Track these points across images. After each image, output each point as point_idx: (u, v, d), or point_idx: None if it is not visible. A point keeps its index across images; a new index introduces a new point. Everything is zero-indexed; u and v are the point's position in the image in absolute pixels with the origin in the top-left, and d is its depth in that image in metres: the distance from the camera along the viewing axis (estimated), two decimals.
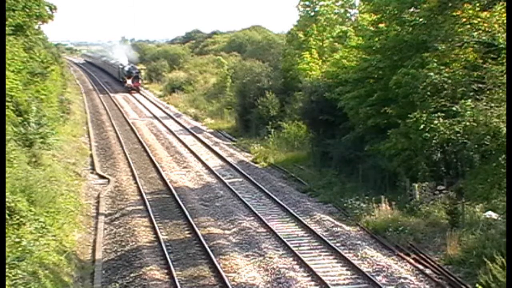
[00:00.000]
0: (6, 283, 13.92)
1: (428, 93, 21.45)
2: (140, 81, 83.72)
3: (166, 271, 18.97)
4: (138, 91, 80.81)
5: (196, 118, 57.89)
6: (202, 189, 30.34)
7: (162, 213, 25.90)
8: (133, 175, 33.07)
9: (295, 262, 19.56)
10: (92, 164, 36.28)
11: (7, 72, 25.64)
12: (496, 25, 19.34)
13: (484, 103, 18.59)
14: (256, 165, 36.25)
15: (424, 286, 17.64)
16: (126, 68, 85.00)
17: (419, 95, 21.92)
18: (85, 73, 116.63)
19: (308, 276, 18.44)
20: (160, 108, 65.27)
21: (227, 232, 23.23)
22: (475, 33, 20.05)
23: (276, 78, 47.92)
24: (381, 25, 27.60)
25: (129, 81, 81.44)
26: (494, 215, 21.48)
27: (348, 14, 46.86)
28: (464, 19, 20.21)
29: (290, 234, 22.66)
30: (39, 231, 19.23)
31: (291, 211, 25.51)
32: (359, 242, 21.36)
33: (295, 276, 18.25)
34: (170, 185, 30.37)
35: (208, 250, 20.33)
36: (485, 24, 19.61)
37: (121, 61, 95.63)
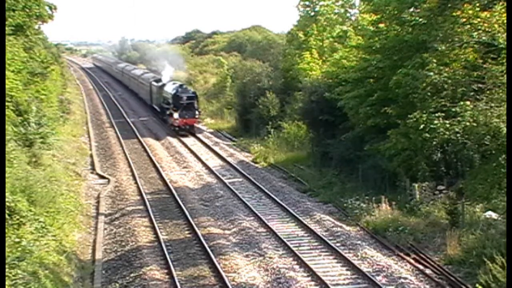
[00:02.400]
0: (6, 283, 13.92)
1: (428, 93, 21.46)
2: (197, 114, 47.56)
3: (166, 271, 18.97)
4: (193, 133, 46.71)
5: None
6: (202, 189, 30.34)
7: (162, 213, 25.90)
8: (133, 175, 33.07)
9: (295, 262, 19.56)
10: (92, 164, 36.27)
11: (7, 72, 25.65)
12: (496, 25, 19.34)
13: (484, 103, 18.60)
14: (256, 165, 36.25)
15: (424, 286, 17.64)
16: (170, 89, 48.53)
17: (419, 95, 21.92)
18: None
19: (308, 276, 18.44)
20: None
21: (227, 232, 23.23)
22: (475, 33, 20.05)
23: (276, 78, 47.94)
24: (381, 25, 27.62)
25: (176, 115, 46.05)
26: (494, 215, 21.49)
27: (348, 14, 46.91)
28: (464, 19, 20.20)
29: (290, 234, 22.66)
30: (39, 231, 19.23)
31: (291, 211, 25.51)
32: (359, 242, 21.36)
33: (295, 276, 18.24)
34: (170, 185, 30.37)
35: (208, 250, 20.33)
36: (485, 24, 19.61)
37: (161, 74, 59.40)
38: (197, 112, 47.13)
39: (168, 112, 47.94)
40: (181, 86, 48.71)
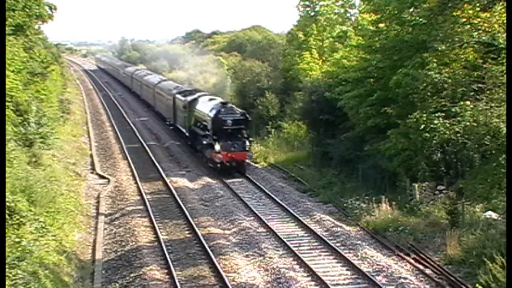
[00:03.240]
0: (6, 283, 13.92)
1: (428, 93, 21.49)
2: (248, 145, 33.12)
3: (166, 271, 18.96)
4: (243, 172, 32.87)
5: None
6: (202, 189, 30.31)
7: (162, 213, 25.89)
8: (133, 175, 33.06)
9: (295, 262, 19.56)
10: (92, 164, 36.26)
11: (7, 72, 25.64)
12: (496, 25, 19.35)
13: (484, 103, 18.62)
14: (256, 165, 36.22)
15: (424, 286, 17.64)
16: (207, 108, 34.58)
17: (419, 95, 21.95)
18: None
19: (308, 276, 18.43)
20: None
21: (227, 232, 23.22)
22: (475, 33, 20.07)
23: (276, 78, 47.99)
24: (381, 25, 27.64)
25: (217, 147, 32.25)
26: (494, 215, 21.49)
27: (348, 14, 46.99)
28: (464, 19, 20.22)
29: (290, 234, 22.66)
30: (39, 231, 19.23)
31: (291, 211, 25.51)
32: (359, 242, 21.36)
33: (295, 276, 18.23)
34: (170, 185, 30.35)
35: (208, 250, 20.33)
36: (485, 24, 19.63)
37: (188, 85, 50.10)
38: (247, 143, 32.70)
39: (204, 142, 33.54)
40: (224, 104, 34.06)
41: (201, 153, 35.68)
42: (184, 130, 40.19)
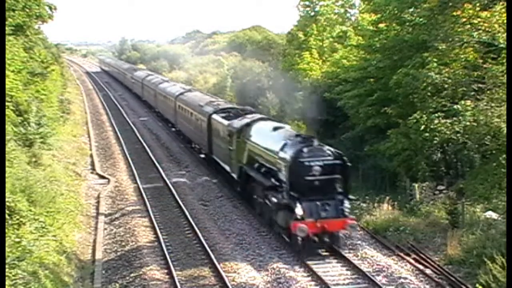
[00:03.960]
0: (6, 283, 13.92)
1: (428, 93, 21.51)
2: (348, 206, 19.72)
3: (166, 271, 18.96)
4: (337, 247, 19.90)
5: None
6: (203, 189, 30.27)
7: (162, 213, 25.87)
8: (133, 175, 33.04)
9: (295, 262, 19.53)
10: (92, 164, 36.25)
11: (7, 72, 25.66)
12: (496, 25, 19.36)
13: (485, 103, 18.63)
14: None
15: (424, 286, 17.63)
16: (276, 144, 21.42)
17: (419, 95, 21.98)
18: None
19: (308, 276, 18.42)
20: None
21: (227, 232, 23.20)
22: (475, 33, 20.08)
23: (276, 78, 47.98)
24: (381, 25, 27.67)
25: (299, 211, 19.19)
26: (494, 215, 21.49)
27: (348, 14, 47.04)
28: (464, 19, 20.23)
29: None
30: (39, 231, 19.24)
31: None
32: (359, 242, 21.33)
33: (295, 276, 18.23)
34: (170, 185, 30.33)
35: (208, 250, 20.32)
36: (485, 24, 19.63)
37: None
38: (346, 203, 20.05)
39: (274, 199, 21.10)
40: (305, 140, 21.11)
41: (263, 213, 23.15)
42: (228, 169, 27.46)
